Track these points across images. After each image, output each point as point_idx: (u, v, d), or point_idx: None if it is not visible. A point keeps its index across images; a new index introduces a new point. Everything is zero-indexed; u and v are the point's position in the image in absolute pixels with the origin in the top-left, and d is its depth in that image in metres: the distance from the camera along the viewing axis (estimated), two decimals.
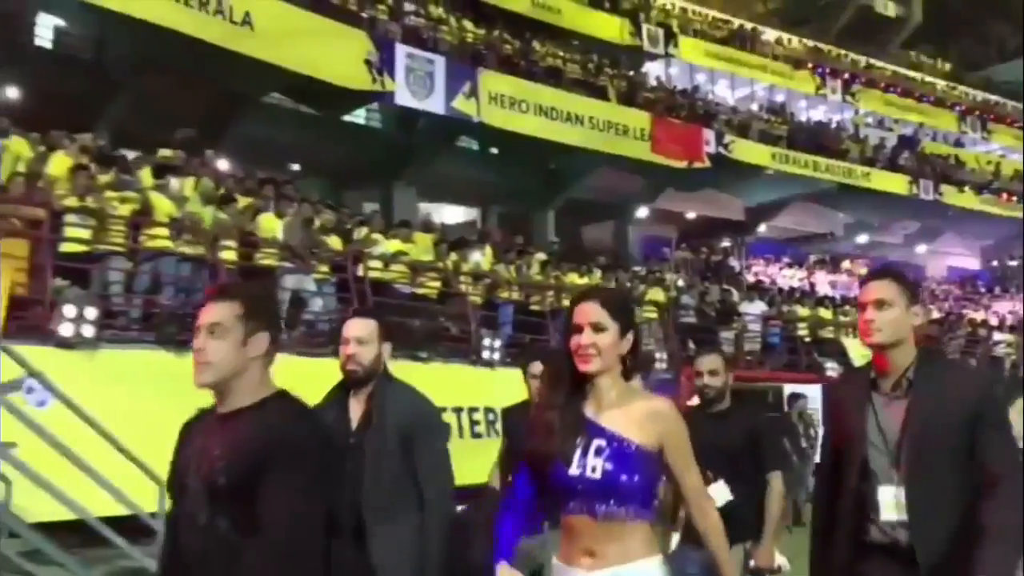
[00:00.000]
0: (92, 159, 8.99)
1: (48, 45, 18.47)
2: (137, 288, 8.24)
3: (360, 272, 9.42)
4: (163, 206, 8.34)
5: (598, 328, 2.40)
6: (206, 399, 2.32)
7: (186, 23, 13.69)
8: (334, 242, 10.16)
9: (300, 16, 15.33)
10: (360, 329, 3.28)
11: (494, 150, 22.74)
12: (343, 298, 9.47)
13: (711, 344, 9.95)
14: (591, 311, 2.42)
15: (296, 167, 19.30)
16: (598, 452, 2.35)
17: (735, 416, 4.17)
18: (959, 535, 2.50)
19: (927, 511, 2.53)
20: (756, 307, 15.77)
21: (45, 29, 18.39)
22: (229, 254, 8.67)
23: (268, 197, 10.23)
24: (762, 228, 28.55)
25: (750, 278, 24.47)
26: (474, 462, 4.97)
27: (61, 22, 18.16)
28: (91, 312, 7.08)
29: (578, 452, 2.36)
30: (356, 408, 3.27)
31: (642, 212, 26.39)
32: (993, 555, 2.41)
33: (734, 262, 26.98)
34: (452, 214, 25.22)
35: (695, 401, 4.36)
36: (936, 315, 22.77)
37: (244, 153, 16.80)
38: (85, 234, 7.88)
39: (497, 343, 10.20)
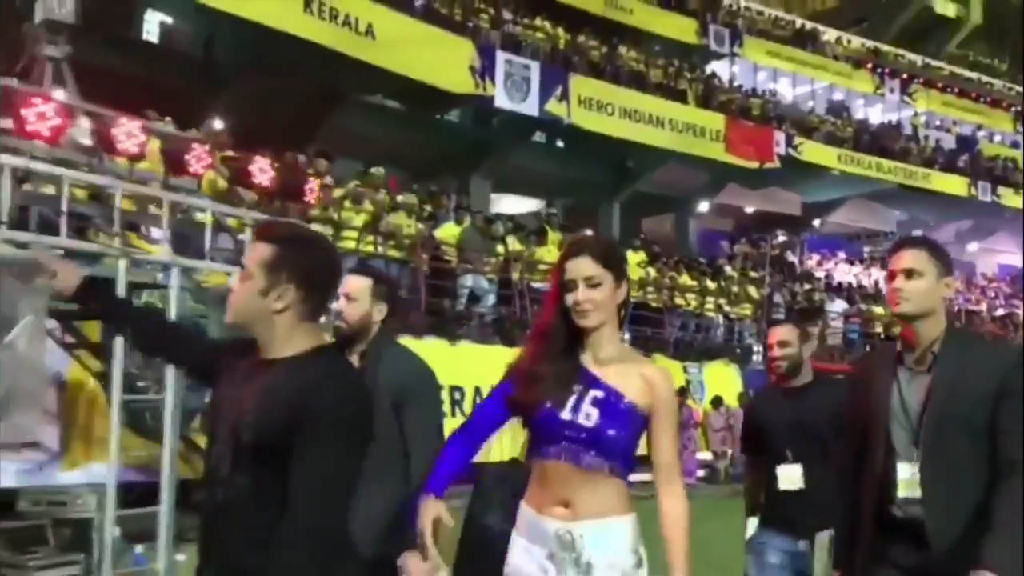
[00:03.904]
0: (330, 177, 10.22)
1: (155, 39, 19.46)
2: None
3: (515, 275, 10.52)
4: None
5: (592, 283, 2.32)
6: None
7: (314, 32, 14.71)
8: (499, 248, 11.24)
9: (415, 26, 16.41)
10: (350, 285, 3.05)
11: (560, 143, 23.53)
12: (504, 296, 10.60)
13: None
14: (584, 266, 2.33)
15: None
16: (594, 402, 2.30)
17: (815, 391, 3.78)
18: (975, 515, 2.40)
19: (942, 489, 2.44)
20: (837, 305, 16.72)
21: (151, 24, 19.41)
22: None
23: (443, 206, 11.35)
24: (816, 223, 29.20)
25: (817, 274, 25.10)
26: None
27: (168, 18, 19.16)
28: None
29: (573, 398, 2.32)
30: None
31: (703, 206, 27.15)
32: (1002, 550, 2.29)
33: (792, 257, 27.57)
34: (518, 205, 26.00)
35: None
36: (1000, 312, 23.48)
37: (333, 146, 17.61)
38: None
39: (626, 336, 11.29)
